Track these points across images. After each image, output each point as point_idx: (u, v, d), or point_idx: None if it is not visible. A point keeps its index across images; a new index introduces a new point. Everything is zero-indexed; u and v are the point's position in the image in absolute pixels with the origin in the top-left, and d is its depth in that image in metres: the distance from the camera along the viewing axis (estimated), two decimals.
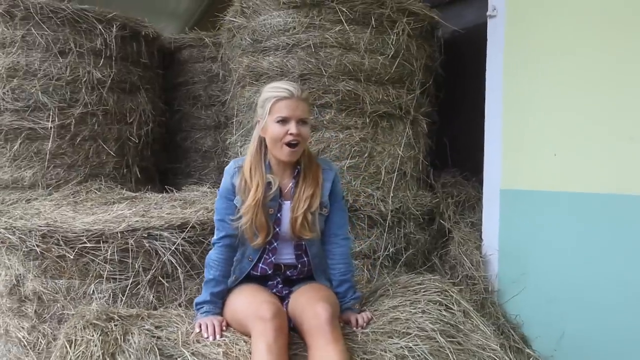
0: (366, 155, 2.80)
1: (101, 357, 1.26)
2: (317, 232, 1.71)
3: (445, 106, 3.47)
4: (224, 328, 1.57)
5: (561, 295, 2.43)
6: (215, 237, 1.74)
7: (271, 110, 1.63)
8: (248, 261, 1.73)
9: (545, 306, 2.49)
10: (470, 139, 3.03)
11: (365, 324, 1.63)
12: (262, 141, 1.71)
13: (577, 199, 2.39)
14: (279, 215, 1.71)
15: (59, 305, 2.02)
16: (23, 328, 2.03)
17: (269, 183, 1.68)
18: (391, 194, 2.76)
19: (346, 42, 2.76)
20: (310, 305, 1.55)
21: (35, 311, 2.03)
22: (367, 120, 2.81)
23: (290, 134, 1.62)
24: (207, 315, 1.60)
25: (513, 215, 2.66)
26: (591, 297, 2.32)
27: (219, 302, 1.67)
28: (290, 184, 1.74)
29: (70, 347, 1.28)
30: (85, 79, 2.93)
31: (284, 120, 1.62)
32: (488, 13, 2.81)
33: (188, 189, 2.84)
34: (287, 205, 1.72)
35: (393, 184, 2.82)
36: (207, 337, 1.50)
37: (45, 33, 2.85)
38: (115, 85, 3.08)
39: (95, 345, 1.29)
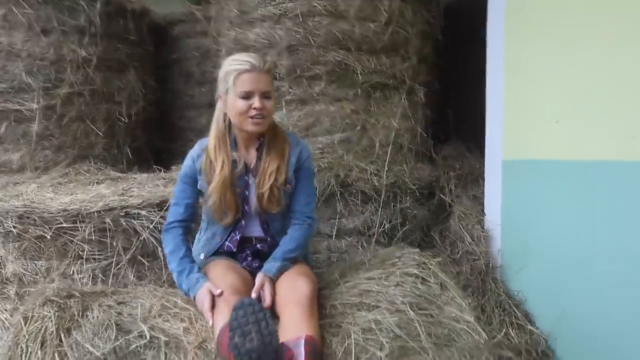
0: (359, 128, 2.79)
1: (55, 332, 1.30)
2: (282, 206, 1.73)
3: (449, 75, 3.42)
4: (214, 292, 1.52)
5: (565, 270, 2.40)
6: (166, 221, 1.76)
7: (234, 84, 1.62)
8: (217, 240, 1.76)
9: (549, 282, 2.47)
10: (474, 109, 2.98)
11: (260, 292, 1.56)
12: (225, 117, 1.71)
13: (582, 167, 2.34)
14: (246, 192, 1.73)
15: (39, 286, 2.08)
16: (6, 310, 2.10)
17: (234, 162, 1.69)
18: (386, 168, 2.74)
19: (335, 9, 2.73)
20: (291, 279, 1.58)
21: (16, 293, 2.10)
22: (359, 92, 2.78)
23: (254, 108, 1.62)
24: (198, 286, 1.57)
25: (516, 187, 2.62)
26: (596, 272, 2.29)
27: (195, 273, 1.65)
28: (255, 159, 1.74)
29: (25, 323, 1.32)
30: (69, 58, 2.95)
31: (247, 95, 1.62)
32: None
33: (177, 168, 2.86)
34: (253, 181, 1.73)
35: (388, 158, 2.80)
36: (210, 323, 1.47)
37: (27, 12, 2.87)
38: (101, 63, 3.09)
39: (51, 321, 1.33)
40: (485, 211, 2.80)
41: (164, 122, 3.84)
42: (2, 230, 2.06)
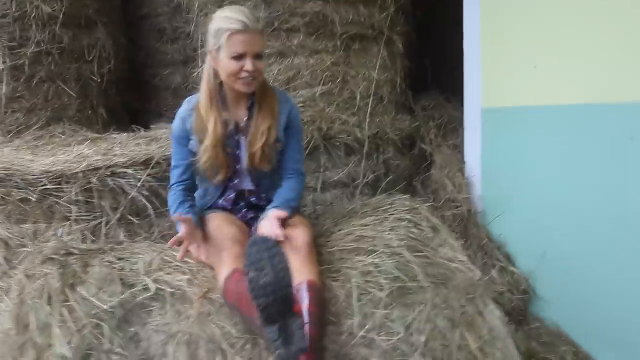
0: (339, 80, 2.78)
1: (60, 288, 1.31)
2: (273, 163, 1.73)
3: (425, 25, 3.41)
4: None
5: (544, 212, 2.49)
6: (170, 182, 1.76)
7: (226, 44, 1.57)
8: (209, 198, 1.77)
9: (528, 224, 2.57)
10: (451, 58, 3.00)
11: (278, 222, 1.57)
12: (215, 73, 1.67)
13: (559, 111, 2.41)
14: (237, 151, 1.72)
15: (27, 249, 2.06)
16: None
17: (225, 121, 1.67)
18: (367, 120, 2.76)
19: None
20: (287, 229, 1.58)
21: (4, 257, 2.07)
22: (338, 43, 2.76)
23: (246, 70, 1.58)
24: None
25: (495, 134, 2.68)
26: (573, 213, 2.39)
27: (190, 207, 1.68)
28: (245, 118, 1.72)
29: (28, 281, 1.32)
30: (34, 14, 2.81)
31: (239, 57, 1.58)
32: None
33: (156, 127, 2.82)
34: (243, 139, 1.72)
35: (369, 109, 2.82)
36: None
37: None
38: (68, 20, 2.95)
39: (54, 278, 1.33)
40: (465, 159, 2.87)
41: (137, 80, 3.74)
42: None
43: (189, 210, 1.65)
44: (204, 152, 1.65)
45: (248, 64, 1.58)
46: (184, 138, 1.71)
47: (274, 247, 1.32)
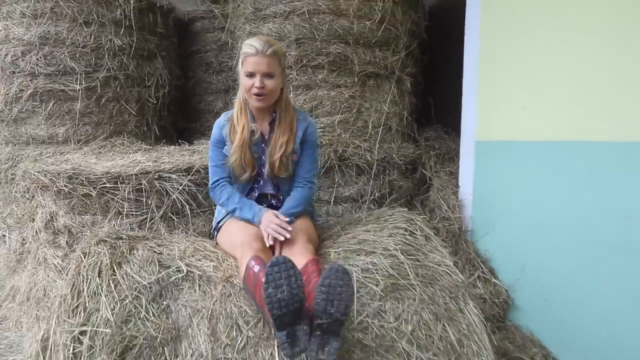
0: (355, 111, 2.84)
1: (109, 265, 1.36)
2: (290, 172, 1.78)
3: (431, 69, 3.46)
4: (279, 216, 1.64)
5: (524, 232, 2.48)
6: (210, 181, 1.80)
7: (242, 65, 1.68)
8: None
9: (511, 243, 2.55)
10: (451, 98, 3.03)
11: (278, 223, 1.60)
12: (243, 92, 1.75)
13: (543, 147, 2.41)
14: (263, 158, 1.78)
15: (85, 237, 2.13)
16: (57, 256, 2.15)
17: (252, 131, 1.74)
18: (377, 146, 2.80)
19: (337, 8, 2.77)
20: (289, 248, 1.60)
21: (66, 242, 2.15)
22: (356, 80, 2.83)
23: (255, 87, 1.66)
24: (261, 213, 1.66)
25: (486, 164, 2.69)
26: (550, 234, 2.37)
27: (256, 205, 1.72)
28: (268, 130, 1.78)
29: (84, 257, 1.38)
30: (107, 46, 2.97)
31: (250, 75, 1.66)
32: None
33: (198, 143, 2.91)
34: (267, 149, 1.77)
35: (379, 137, 2.86)
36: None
37: (71, 5, 2.89)
38: (134, 52, 3.12)
39: (105, 256, 1.38)
40: (459, 184, 2.87)
41: (185, 105, 3.87)
42: (55, 189, 2.10)
43: (261, 207, 1.72)
44: (234, 152, 1.72)
45: (257, 81, 1.66)
46: (221, 142, 1.78)
47: (292, 269, 1.32)
